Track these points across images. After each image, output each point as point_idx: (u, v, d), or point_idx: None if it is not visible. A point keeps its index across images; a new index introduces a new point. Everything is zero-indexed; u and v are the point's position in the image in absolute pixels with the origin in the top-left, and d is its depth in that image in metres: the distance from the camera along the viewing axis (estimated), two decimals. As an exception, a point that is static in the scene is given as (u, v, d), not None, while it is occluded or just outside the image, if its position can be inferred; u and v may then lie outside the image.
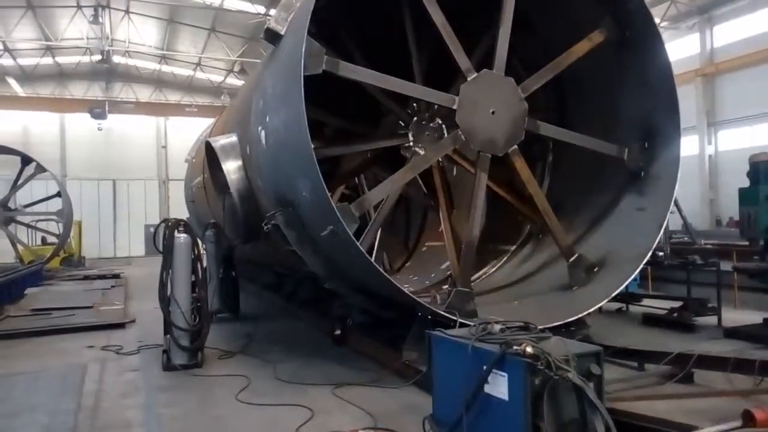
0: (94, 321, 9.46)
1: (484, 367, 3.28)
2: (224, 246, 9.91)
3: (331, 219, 5.29)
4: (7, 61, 29.74)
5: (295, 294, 10.23)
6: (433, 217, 9.23)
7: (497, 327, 3.61)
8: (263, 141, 6.73)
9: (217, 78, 33.38)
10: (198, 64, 31.11)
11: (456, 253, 7.53)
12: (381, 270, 5.18)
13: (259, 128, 6.85)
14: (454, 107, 6.12)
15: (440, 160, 7.29)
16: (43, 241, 23.29)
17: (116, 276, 17.83)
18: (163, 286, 6.60)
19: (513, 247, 8.42)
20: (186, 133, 31.62)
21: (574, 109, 7.90)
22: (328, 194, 5.07)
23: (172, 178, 33.21)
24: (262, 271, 12.56)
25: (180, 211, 31.84)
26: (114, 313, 10.32)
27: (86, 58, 30.37)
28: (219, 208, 9.81)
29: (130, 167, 32.60)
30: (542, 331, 3.69)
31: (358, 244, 5.13)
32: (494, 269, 8.46)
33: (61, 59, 30.93)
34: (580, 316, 5.91)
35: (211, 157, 8.88)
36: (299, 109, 5.10)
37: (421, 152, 7.35)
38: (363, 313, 7.42)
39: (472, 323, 5.41)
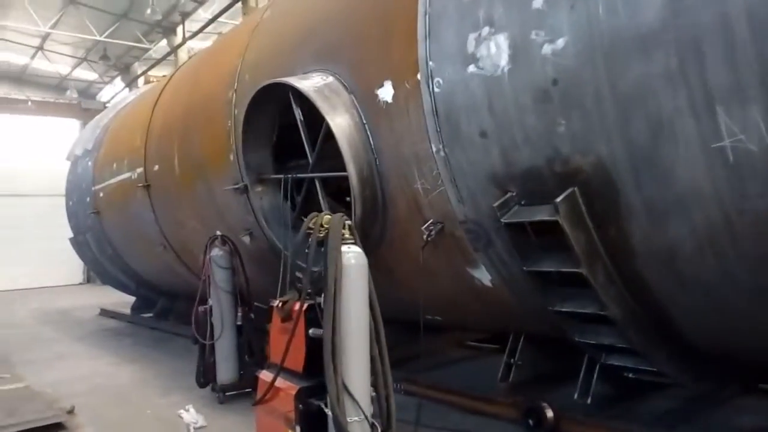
0: (9, 423, 4.99)
1: None
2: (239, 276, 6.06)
3: None
4: None
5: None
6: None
7: None
8: (502, 57, 3.41)
9: (64, 69, 26.81)
10: (40, 48, 24.40)
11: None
12: None
13: (483, 32, 3.50)
14: None
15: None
16: None
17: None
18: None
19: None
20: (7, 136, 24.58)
21: None
22: None
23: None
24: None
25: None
26: (25, 399, 5.79)
27: None
28: (232, 209, 5.97)
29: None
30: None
31: None
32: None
33: None
34: None
35: (257, 114, 5.12)
36: None
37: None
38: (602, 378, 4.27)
39: None
